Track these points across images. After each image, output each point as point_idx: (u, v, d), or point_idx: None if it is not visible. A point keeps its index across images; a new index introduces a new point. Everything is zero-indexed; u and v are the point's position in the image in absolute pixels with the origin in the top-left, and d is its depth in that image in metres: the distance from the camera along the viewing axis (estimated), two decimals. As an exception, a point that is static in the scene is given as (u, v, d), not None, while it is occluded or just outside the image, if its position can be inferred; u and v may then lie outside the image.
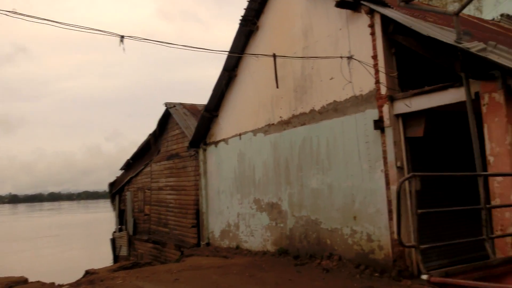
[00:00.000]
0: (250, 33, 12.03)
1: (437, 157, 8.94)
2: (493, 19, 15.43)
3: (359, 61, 8.76)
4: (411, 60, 8.78)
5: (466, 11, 16.51)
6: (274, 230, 11.36)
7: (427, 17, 9.77)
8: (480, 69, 7.16)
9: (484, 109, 7.20)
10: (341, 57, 9.12)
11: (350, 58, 9.01)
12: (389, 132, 8.49)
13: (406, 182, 8.31)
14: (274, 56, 8.89)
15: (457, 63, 7.12)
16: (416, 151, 8.69)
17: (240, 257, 11.73)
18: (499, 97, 7.03)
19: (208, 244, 14.13)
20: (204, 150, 14.42)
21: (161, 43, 6.65)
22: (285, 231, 10.95)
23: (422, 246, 3.70)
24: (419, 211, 3.69)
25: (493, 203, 7.06)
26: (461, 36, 7.49)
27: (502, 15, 15.44)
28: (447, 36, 7.74)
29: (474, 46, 7.13)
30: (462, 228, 8.49)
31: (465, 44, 7.20)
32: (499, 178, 7.00)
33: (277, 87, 9.31)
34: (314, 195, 10.12)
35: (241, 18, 11.72)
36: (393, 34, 8.60)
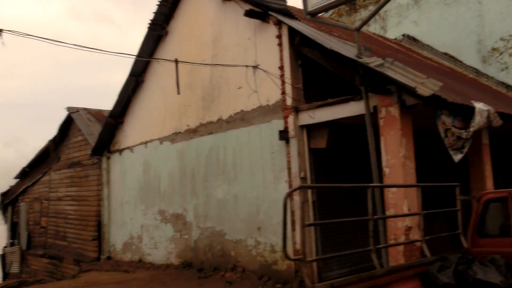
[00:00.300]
0: (159, 38, 11.64)
1: (341, 168, 9.15)
2: (395, 38, 16.40)
3: (264, 71, 8.76)
4: (318, 72, 8.95)
5: (371, 29, 17.44)
6: (178, 242, 10.96)
7: (333, 32, 10.07)
8: (379, 83, 7.45)
9: (381, 122, 7.48)
10: (246, 66, 9.08)
11: (255, 67, 9.00)
12: (293, 143, 8.55)
13: (307, 192, 8.42)
14: (176, 61, 8.62)
15: (357, 77, 7.34)
16: (320, 162, 8.83)
17: (142, 271, 11.18)
18: (394, 111, 7.34)
19: (109, 258, 13.33)
20: (108, 158, 13.66)
21: (50, 41, 6.07)
22: (190, 243, 10.61)
23: (309, 259, 3.61)
24: (306, 223, 3.60)
25: (387, 213, 7.32)
26: (362, 51, 7.75)
27: (403, 35, 16.45)
28: (349, 50, 7.97)
29: (373, 62, 7.40)
30: (361, 237, 8.74)
31: (365, 59, 7.45)
32: (393, 189, 7.28)
33: (178, 93, 9.03)
34: (220, 206, 9.91)
35: (150, 22, 11.30)
36: (299, 46, 8.72)
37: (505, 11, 15.33)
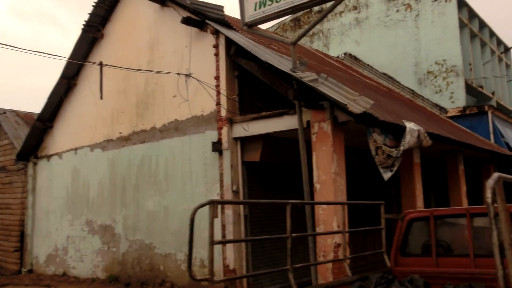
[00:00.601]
0: (94, 41, 11.14)
1: (275, 183, 9.03)
2: (338, 56, 16.73)
3: (198, 80, 8.56)
4: (255, 84, 8.82)
5: (315, 46, 17.72)
6: (106, 255, 10.40)
7: (272, 45, 10.03)
8: (312, 99, 7.41)
9: (313, 138, 7.44)
10: (178, 74, 8.82)
11: (188, 76, 8.76)
12: (226, 155, 8.35)
13: (240, 207, 8.23)
14: (101, 64, 8.23)
15: (290, 91, 7.26)
16: (254, 175, 8.67)
17: (65, 285, 10.51)
18: (327, 127, 7.32)
19: (30, 271, 12.47)
20: (35, 164, 12.86)
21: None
22: (118, 256, 10.09)
23: (217, 280, 3.40)
24: (215, 241, 3.39)
25: (317, 229, 7.25)
26: (297, 66, 7.70)
27: (345, 53, 16.83)
28: (284, 64, 7.91)
29: (307, 76, 7.36)
30: (298, 252, 8.62)
31: (299, 74, 7.40)
32: (324, 206, 7.22)
33: (101, 97, 8.61)
34: (150, 218, 9.51)
35: (84, 23, 10.80)
36: (236, 57, 8.58)
37: (440, 36, 16.05)
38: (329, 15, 17.62)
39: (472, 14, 18.13)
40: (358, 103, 7.06)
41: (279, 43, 10.64)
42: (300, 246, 8.59)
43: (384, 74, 16.30)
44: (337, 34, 17.53)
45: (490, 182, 2.29)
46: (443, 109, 15.58)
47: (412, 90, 15.95)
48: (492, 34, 20.59)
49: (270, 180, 8.91)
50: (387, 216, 5.62)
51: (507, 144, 15.01)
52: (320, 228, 7.21)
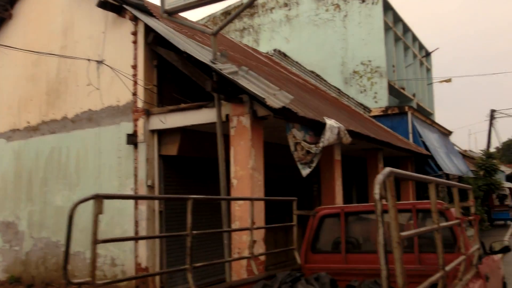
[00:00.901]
0: (1, 21, 10.22)
1: (194, 178, 8.72)
2: (267, 52, 16.67)
3: (112, 68, 8.06)
4: (175, 75, 8.45)
5: (245, 41, 17.55)
6: (7, 255, 9.58)
7: (196, 36, 9.69)
8: (232, 92, 7.19)
9: (232, 132, 7.22)
10: (89, 60, 8.27)
11: (100, 62, 8.23)
12: (142, 148, 7.93)
13: (155, 202, 7.86)
14: (6, 47, 7.52)
15: (208, 82, 6.98)
16: (171, 170, 8.32)
17: (-39, 288, 9.56)
18: (246, 121, 7.13)
19: None
20: None
21: None
22: (21, 255, 9.33)
23: (100, 283, 3.09)
24: (98, 240, 3.07)
25: (233, 226, 7.06)
26: (217, 57, 7.44)
27: (275, 50, 16.80)
28: (205, 55, 7.62)
29: (227, 68, 7.13)
30: (214, 249, 8.39)
31: (219, 65, 7.15)
32: (240, 202, 7.04)
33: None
34: (58, 214, 8.86)
35: (-10, 1, 9.86)
36: (155, 45, 8.17)
37: (366, 37, 16.46)
38: (260, 11, 17.57)
39: (397, 18, 18.80)
40: (277, 98, 6.93)
41: (204, 35, 10.32)
42: (212, 244, 8.39)
43: (312, 72, 16.47)
44: (267, 30, 17.49)
45: (379, 177, 2.15)
46: (366, 109, 16.01)
47: (338, 89, 16.25)
48: (415, 38, 21.52)
49: (188, 175, 8.59)
50: (299, 212, 5.52)
51: (424, 143, 15.70)
52: (235, 225, 7.03)
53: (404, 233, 2.27)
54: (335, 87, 16.28)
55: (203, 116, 7.59)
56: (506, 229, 22.85)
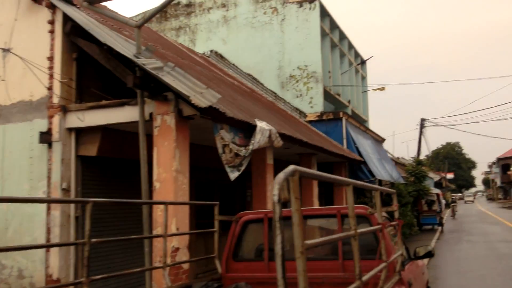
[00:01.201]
0: None
1: (116, 180, 8.15)
2: (203, 53, 16.26)
3: (22, 59, 7.38)
4: (100, 70, 7.86)
5: (181, 40, 17.04)
6: None
7: (124, 30, 9.13)
8: (157, 89, 6.75)
9: (155, 132, 6.79)
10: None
11: (6, 50, 7.51)
12: (57, 147, 7.28)
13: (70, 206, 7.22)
14: None
15: (129, 78, 6.49)
16: (91, 172, 7.71)
17: None
18: (170, 120, 6.73)
19: None
20: None
21: None
22: None
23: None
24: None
25: (154, 232, 6.61)
26: (142, 51, 6.97)
27: (211, 51, 16.42)
28: (129, 49, 7.11)
29: (151, 64, 6.68)
30: (133, 258, 7.86)
31: (142, 60, 6.69)
32: (162, 206, 6.59)
33: None
34: (-40, 220, 7.95)
35: None
36: (75, 37, 7.56)
37: (303, 42, 16.49)
38: (197, 10, 17.15)
39: (334, 25, 19.05)
40: (204, 96, 6.58)
41: (132, 29, 9.76)
42: (136, 251, 7.88)
43: (249, 75, 16.26)
44: (204, 31, 17.10)
45: (280, 177, 1.84)
46: (302, 113, 16.01)
47: (275, 93, 16.14)
48: (350, 46, 21.95)
49: (111, 177, 8.02)
50: (220, 218, 5.17)
51: (358, 149, 15.91)
52: (157, 231, 6.57)
53: (308, 242, 1.98)
54: (271, 91, 16.16)
55: (126, 114, 7.09)
56: (433, 233, 23.78)
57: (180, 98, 6.54)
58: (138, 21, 7.06)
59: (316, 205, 12.39)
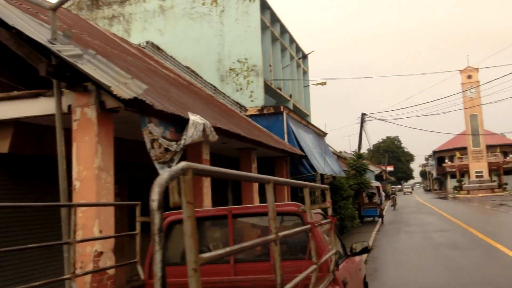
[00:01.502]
0: None
1: (33, 179, 7.42)
2: (139, 44, 15.48)
3: None
4: (11, 57, 7.08)
5: (114, 30, 16.16)
6: None
7: (43, 15, 8.33)
8: (76, 79, 6.13)
9: (74, 125, 6.16)
10: None
11: None
12: (-39, 144, 6.47)
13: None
14: None
15: (42, 66, 5.83)
16: (3, 170, 6.96)
17: None
18: (91, 113, 6.13)
19: None
20: None
21: None
22: None
23: None
24: None
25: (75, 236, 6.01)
26: (58, 37, 6.30)
27: (147, 42, 15.68)
28: (44, 34, 6.41)
29: (68, 50, 6.04)
30: (47, 266, 7.19)
31: (57, 46, 6.03)
32: (83, 208, 6.01)
33: None
34: None
35: None
36: (-17, 20, 6.74)
37: (243, 35, 16.12)
38: (132, -1, 16.31)
39: (275, 18, 18.80)
40: (128, 87, 6.04)
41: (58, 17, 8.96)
42: (51, 258, 7.23)
43: (187, 67, 15.69)
44: (140, 21, 16.31)
45: (163, 177, 1.44)
46: (243, 107, 15.67)
47: (214, 86, 15.68)
48: (292, 40, 21.83)
49: (25, 176, 7.28)
50: (142, 219, 4.70)
51: (299, 144, 15.79)
52: (78, 234, 5.97)
53: (204, 255, 1.59)
54: (211, 84, 15.68)
55: (41, 106, 6.40)
56: (374, 225, 24.32)
57: (102, 89, 5.97)
58: (53, 4, 6.37)
59: (256, 200, 12.07)
